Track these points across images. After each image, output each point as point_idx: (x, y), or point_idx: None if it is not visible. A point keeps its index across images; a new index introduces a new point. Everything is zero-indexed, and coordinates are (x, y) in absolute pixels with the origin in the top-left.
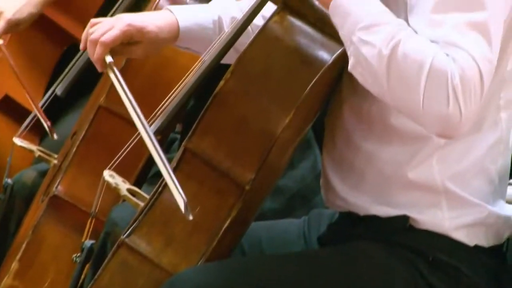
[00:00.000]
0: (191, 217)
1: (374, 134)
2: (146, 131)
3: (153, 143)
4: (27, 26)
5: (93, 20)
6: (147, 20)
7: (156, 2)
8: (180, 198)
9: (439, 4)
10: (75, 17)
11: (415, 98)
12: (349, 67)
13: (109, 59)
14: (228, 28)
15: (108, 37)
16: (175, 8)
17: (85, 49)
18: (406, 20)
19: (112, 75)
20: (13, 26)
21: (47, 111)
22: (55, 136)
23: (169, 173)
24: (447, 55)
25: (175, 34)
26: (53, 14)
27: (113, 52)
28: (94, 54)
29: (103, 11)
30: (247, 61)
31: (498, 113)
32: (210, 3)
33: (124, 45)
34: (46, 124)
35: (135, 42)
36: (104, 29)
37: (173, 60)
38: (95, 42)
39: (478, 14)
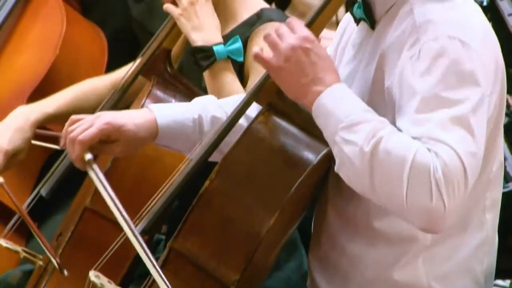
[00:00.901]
0: None
1: (359, 237)
2: (131, 230)
3: (139, 242)
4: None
5: (73, 118)
6: (125, 118)
7: (142, 103)
8: None
9: (423, 103)
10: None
11: (398, 193)
12: (335, 167)
13: (88, 156)
14: (208, 127)
15: (86, 135)
16: (155, 106)
17: (65, 146)
18: (393, 120)
19: (91, 173)
20: (11, 157)
21: (32, 212)
22: (66, 273)
23: (158, 272)
24: (429, 150)
25: (154, 132)
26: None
27: (92, 150)
28: (73, 152)
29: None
30: (232, 161)
31: (484, 214)
32: (193, 101)
33: (103, 143)
34: (55, 261)
35: (113, 140)
36: (83, 127)
37: (159, 160)
38: (74, 140)
39: (462, 110)
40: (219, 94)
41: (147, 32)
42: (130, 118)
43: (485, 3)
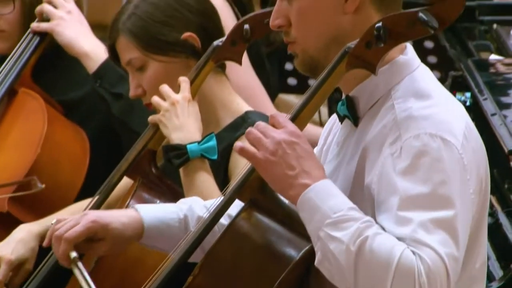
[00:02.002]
0: None
1: None
2: None
3: None
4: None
5: (58, 218)
6: (112, 217)
7: (127, 203)
8: None
9: (405, 202)
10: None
11: None
12: (316, 262)
13: (73, 254)
14: (194, 228)
15: (71, 233)
16: (141, 206)
17: (49, 244)
18: (373, 216)
19: (77, 271)
20: (17, 267)
21: None
22: None
23: None
24: (414, 252)
25: (140, 232)
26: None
27: (78, 248)
28: (58, 250)
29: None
30: (215, 257)
31: None
32: (179, 201)
33: (89, 241)
34: None
35: (99, 238)
36: (69, 225)
37: (144, 260)
38: (59, 238)
39: (445, 212)
40: (194, 193)
41: (128, 129)
42: (116, 217)
43: (468, 103)
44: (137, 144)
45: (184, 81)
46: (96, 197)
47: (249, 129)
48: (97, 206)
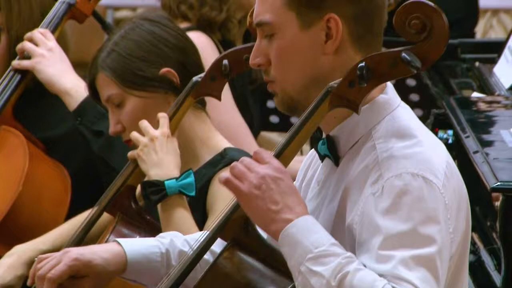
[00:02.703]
0: None
1: None
2: None
3: None
4: None
5: (40, 256)
6: (94, 253)
7: (106, 239)
8: None
9: (387, 241)
10: None
11: None
12: None
13: None
14: (175, 262)
15: (54, 272)
16: (123, 240)
17: (32, 283)
18: (353, 251)
19: None
20: None
21: None
22: None
23: None
24: None
25: (123, 266)
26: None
27: (61, 286)
28: None
29: None
30: None
31: None
32: (159, 235)
33: (72, 279)
34: None
35: (83, 275)
36: (51, 264)
37: None
38: (43, 277)
39: (426, 250)
40: (171, 229)
41: (108, 166)
42: (98, 253)
43: (450, 141)
44: (116, 180)
45: (163, 117)
46: (77, 233)
47: (234, 163)
48: (77, 242)
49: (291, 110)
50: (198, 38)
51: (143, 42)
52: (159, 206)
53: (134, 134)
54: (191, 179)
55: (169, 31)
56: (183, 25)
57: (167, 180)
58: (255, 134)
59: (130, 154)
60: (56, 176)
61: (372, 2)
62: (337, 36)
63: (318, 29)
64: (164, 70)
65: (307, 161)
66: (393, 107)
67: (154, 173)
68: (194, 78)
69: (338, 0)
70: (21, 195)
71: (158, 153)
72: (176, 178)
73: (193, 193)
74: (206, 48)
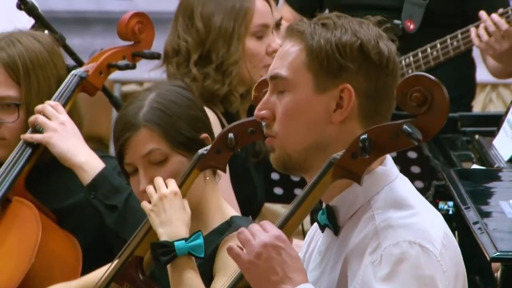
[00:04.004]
0: None
1: None
2: None
3: None
4: None
5: None
6: None
7: None
8: None
9: None
10: None
11: None
12: None
13: None
14: None
15: None
16: None
17: None
18: None
19: None
20: None
21: None
22: None
23: None
24: None
25: None
26: None
27: None
28: None
29: None
30: None
31: None
32: None
33: None
34: None
35: None
36: None
37: None
38: None
39: None
40: None
41: (121, 240)
42: None
43: (451, 212)
44: (124, 250)
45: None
46: None
47: (242, 229)
48: None
49: (286, 169)
50: None
51: (184, 104)
52: (168, 267)
53: (150, 189)
54: (200, 240)
55: (196, 97)
56: None
57: (177, 241)
58: (259, 206)
59: (143, 205)
60: (68, 246)
61: (386, 84)
62: (347, 107)
63: (331, 97)
64: (204, 135)
65: (311, 233)
66: (391, 178)
67: (163, 232)
68: (200, 151)
69: (356, 73)
70: (33, 266)
71: (167, 212)
72: (186, 239)
73: (202, 255)
74: (212, 121)
